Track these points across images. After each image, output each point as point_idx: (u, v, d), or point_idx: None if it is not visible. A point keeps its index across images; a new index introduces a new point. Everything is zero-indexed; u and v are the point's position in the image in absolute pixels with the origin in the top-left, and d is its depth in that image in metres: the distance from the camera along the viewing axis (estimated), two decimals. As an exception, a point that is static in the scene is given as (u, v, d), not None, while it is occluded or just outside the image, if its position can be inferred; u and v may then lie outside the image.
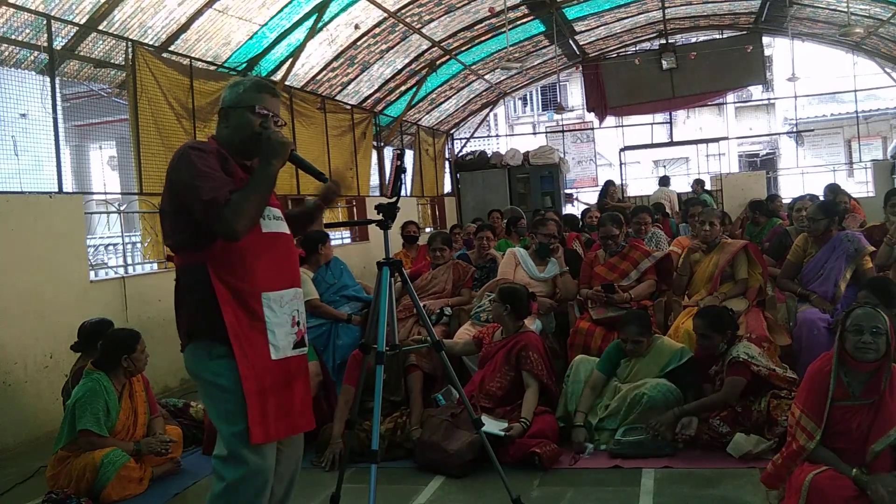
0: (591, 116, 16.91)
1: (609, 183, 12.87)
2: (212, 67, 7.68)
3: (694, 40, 15.58)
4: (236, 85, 2.46)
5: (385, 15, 9.06)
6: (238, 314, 2.30)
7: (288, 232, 2.52)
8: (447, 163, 15.28)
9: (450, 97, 13.63)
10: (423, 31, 10.17)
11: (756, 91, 20.38)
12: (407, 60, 10.88)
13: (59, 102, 5.83)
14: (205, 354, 2.32)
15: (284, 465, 2.51)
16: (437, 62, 11.47)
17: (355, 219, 10.43)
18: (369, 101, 11.25)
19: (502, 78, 14.15)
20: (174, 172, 2.29)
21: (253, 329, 2.32)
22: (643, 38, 14.55)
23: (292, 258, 2.53)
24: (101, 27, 6.14)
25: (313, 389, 4.46)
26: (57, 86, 5.83)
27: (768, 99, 21.41)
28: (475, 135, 16.63)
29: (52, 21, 5.70)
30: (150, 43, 6.79)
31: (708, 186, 13.36)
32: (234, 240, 2.25)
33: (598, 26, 13.11)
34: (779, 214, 8.32)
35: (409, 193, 12.95)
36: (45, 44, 5.71)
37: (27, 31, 5.62)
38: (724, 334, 4.12)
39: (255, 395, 2.29)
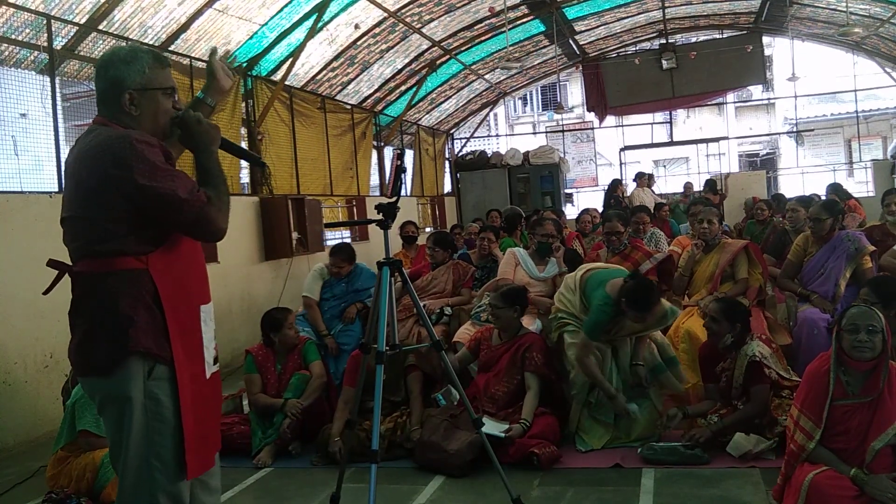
0: (591, 116, 16.92)
1: (616, 182, 12.91)
2: (212, 67, 7.68)
3: (694, 40, 15.58)
4: (133, 61, 2.08)
5: (385, 15, 9.07)
6: (184, 328, 2.05)
7: None
8: (447, 163, 15.29)
9: (450, 97, 13.63)
10: (423, 30, 10.17)
11: (756, 91, 20.39)
12: (407, 60, 10.88)
13: (59, 102, 5.83)
14: (141, 374, 2.00)
15: (210, 472, 2.23)
16: (437, 62, 11.47)
17: (355, 219, 10.44)
18: (369, 100, 11.25)
19: (502, 78, 14.15)
20: (121, 170, 1.96)
21: (192, 346, 2.08)
22: (643, 37, 14.56)
23: (205, 267, 2.27)
24: (101, 27, 6.14)
25: (316, 392, 4.47)
26: (57, 86, 5.83)
27: (768, 99, 21.41)
28: (475, 135, 16.63)
29: (52, 21, 5.70)
30: (150, 43, 6.79)
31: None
32: (218, 239, 2.08)
33: (598, 26, 13.11)
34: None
35: (409, 193, 12.96)
36: (45, 44, 5.71)
37: (27, 31, 5.61)
38: (734, 326, 4.00)
39: (193, 425, 2.04)
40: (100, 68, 2.12)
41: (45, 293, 2.22)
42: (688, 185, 13.17)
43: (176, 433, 2.02)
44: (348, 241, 10.66)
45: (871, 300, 3.67)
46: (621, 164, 15.69)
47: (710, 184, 11.83)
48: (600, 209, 10.07)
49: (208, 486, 2.26)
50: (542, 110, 24.35)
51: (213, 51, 2.32)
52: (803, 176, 17.30)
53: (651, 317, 4.11)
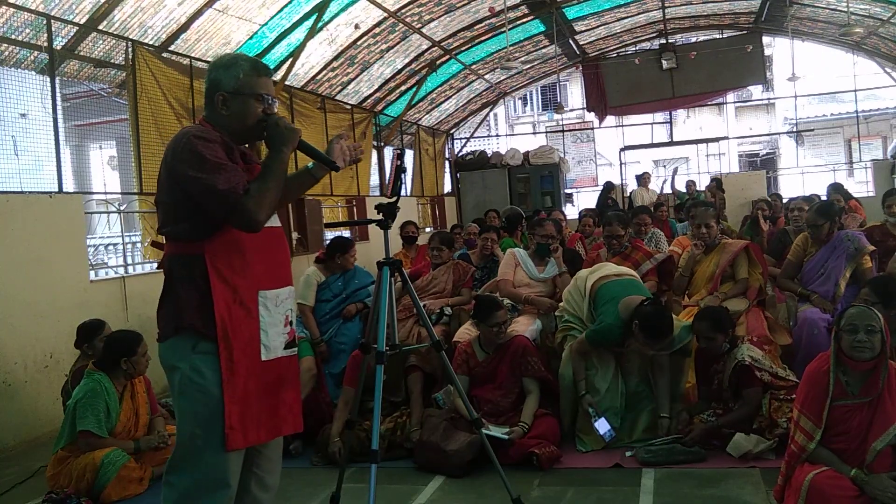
0: (591, 116, 16.91)
1: (609, 185, 12.92)
2: (212, 67, 7.68)
3: (694, 40, 15.58)
4: (232, 66, 2.32)
5: (385, 15, 9.06)
6: (232, 311, 2.21)
7: (280, 226, 2.45)
8: (447, 163, 15.28)
9: (450, 97, 13.63)
10: (423, 30, 10.17)
11: (756, 91, 20.38)
12: (407, 60, 10.88)
13: (59, 102, 5.83)
14: (188, 347, 2.22)
15: (266, 469, 2.40)
16: (437, 62, 11.47)
17: (355, 219, 10.43)
18: (369, 100, 11.25)
19: (502, 78, 14.15)
20: (177, 162, 2.19)
21: (246, 327, 2.24)
22: (643, 37, 14.55)
23: (286, 255, 2.45)
24: (101, 27, 6.14)
25: (307, 385, 4.46)
26: (57, 86, 5.83)
27: (768, 99, 21.40)
28: (475, 135, 16.63)
29: (52, 21, 5.70)
30: (150, 43, 6.79)
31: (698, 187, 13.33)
32: (255, 230, 2.20)
33: (598, 26, 13.11)
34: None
35: (409, 193, 12.95)
36: (45, 44, 5.71)
37: (27, 30, 5.62)
38: (727, 334, 4.12)
39: (238, 400, 2.20)
40: (207, 71, 2.40)
41: (159, 267, 2.42)
42: (690, 184, 13.14)
43: (219, 406, 2.18)
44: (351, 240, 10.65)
45: (871, 300, 3.68)
46: (621, 164, 15.68)
47: (718, 182, 11.80)
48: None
49: (263, 483, 2.39)
50: (542, 110, 24.34)
51: (342, 134, 2.51)
52: (803, 176, 17.28)
53: (664, 348, 4.11)
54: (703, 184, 13.96)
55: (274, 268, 2.35)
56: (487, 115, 16.51)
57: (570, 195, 18.00)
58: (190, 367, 2.21)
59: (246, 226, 2.19)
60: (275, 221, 2.40)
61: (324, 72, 9.49)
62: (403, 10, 9.27)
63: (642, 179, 13.01)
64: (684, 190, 12.94)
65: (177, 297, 2.25)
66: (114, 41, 6.40)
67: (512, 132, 23.09)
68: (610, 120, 16.29)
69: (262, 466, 2.39)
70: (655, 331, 4.00)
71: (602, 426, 4.09)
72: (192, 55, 7.29)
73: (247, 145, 2.47)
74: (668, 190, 13.36)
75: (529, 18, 11.59)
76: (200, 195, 2.17)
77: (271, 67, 8.43)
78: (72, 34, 6.04)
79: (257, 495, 2.38)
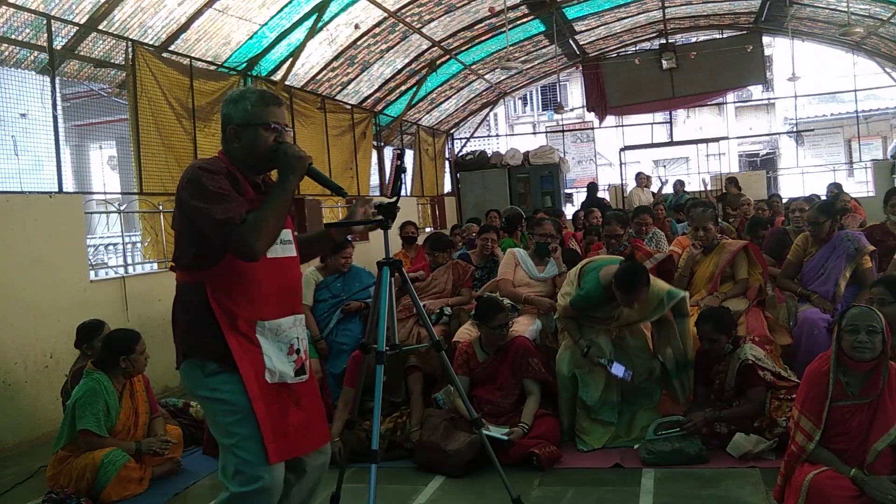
0: (591, 116, 16.91)
1: (592, 186, 12.99)
2: (212, 67, 7.68)
3: (694, 40, 15.58)
4: (241, 100, 2.38)
5: (385, 15, 9.07)
6: (235, 337, 2.27)
7: (295, 255, 2.48)
8: (447, 163, 15.28)
9: (450, 97, 13.63)
10: (423, 30, 10.17)
11: (756, 91, 20.37)
12: (407, 60, 10.88)
13: (59, 102, 5.83)
14: (198, 372, 2.30)
15: (308, 477, 2.48)
16: (437, 62, 11.47)
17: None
18: (369, 100, 11.25)
19: (502, 78, 14.15)
20: (184, 193, 2.26)
21: (249, 352, 2.29)
22: (643, 37, 14.55)
23: (296, 284, 2.49)
24: (101, 27, 6.14)
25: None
26: (57, 86, 5.83)
27: (768, 99, 21.40)
28: (475, 135, 16.63)
29: (52, 21, 5.70)
30: (150, 43, 6.79)
31: (709, 186, 13.35)
32: (253, 259, 2.23)
33: (598, 26, 13.11)
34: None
35: (409, 193, 12.95)
36: (45, 44, 5.71)
37: (27, 30, 5.62)
38: (730, 334, 4.13)
39: (267, 416, 2.26)
40: (221, 108, 2.46)
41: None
42: (677, 184, 13.14)
43: (253, 423, 2.24)
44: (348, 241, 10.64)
45: (888, 299, 3.67)
46: (621, 164, 15.67)
47: (733, 181, 11.77)
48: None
49: (300, 483, 2.45)
50: (542, 110, 24.34)
51: (368, 200, 2.62)
52: (803, 176, 17.27)
53: (639, 300, 4.09)
54: (699, 184, 13.97)
55: (278, 298, 2.37)
56: (487, 115, 16.51)
57: (570, 195, 18.01)
58: (208, 390, 2.30)
59: (243, 255, 2.22)
60: (287, 251, 2.43)
61: (324, 72, 9.49)
62: (403, 10, 9.27)
63: (641, 180, 13.00)
64: (671, 191, 12.94)
65: (181, 324, 2.35)
66: (114, 41, 6.40)
67: (512, 132, 23.09)
68: (610, 120, 16.29)
69: (305, 473, 2.47)
70: (629, 282, 4.00)
71: (617, 370, 4.08)
72: (192, 55, 7.29)
73: (266, 174, 2.48)
74: (667, 190, 13.35)
75: (529, 18, 11.59)
76: (202, 225, 2.24)
77: (271, 68, 8.47)
78: (72, 34, 6.04)
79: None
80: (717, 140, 17.74)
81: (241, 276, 2.29)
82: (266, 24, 7.73)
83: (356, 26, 8.96)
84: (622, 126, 17.68)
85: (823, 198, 8.05)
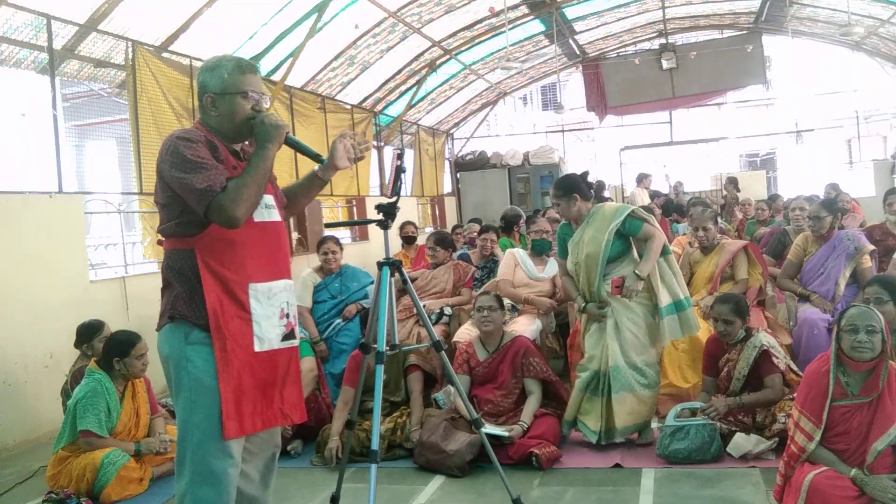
0: (591, 116, 16.90)
1: (599, 184, 12.93)
2: (212, 67, 7.67)
3: (694, 40, 15.56)
4: (217, 68, 2.37)
5: (385, 15, 9.06)
6: (223, 303, 2.28)
7: (280, 220, 2.48)
8: (447, 163, 15.28)
9: (450, 97, 13.63)
10: (423, 30, 10.17)
11: (756, 91, 20.33)
12: (407, 60, 10.87)
13: (59, 102, 5.83)
14: (181, 337, 2.31)
15: (258, 459, 2.48)
16: (437, 62, 11.47)
17: (355, 219, 10.42)
18: (369, 100, 11.25)
19: (502, 78, 14.15)
20: (163, 163, 2.28)
21: (238, 319, 2.30)
22: (643, 37, 14.55)
23: (283, 248, 2.49)
24: (101, 27, 6.14)
25: (309, 385, 4.46)
26: (57, 86, 5.83)
27: (768, 99, 21.38)
28: (475, 135, 16.63)
29: (52, 21, 5.70)
30: (150, 43, 6.79)
31: (710, 186, 13.36)
32: (234, 226, 2.24)
33: (598, 26, 13.10)
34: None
35: (409, 193, 12.95)
36: (45, 44, 5.71)
37: (27, 30, 5.62)
38: (745, 319, 4.10)
39: (233, 390, 2.26)
40: (197, 76, 2.45)
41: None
42: (678, 185, 13.14)
43: (215, 396, 2.25)
44: (347, 240, 10.67)
45: (884, 298, 3.67)
46: (621, 164, 15.67)
47: (733, 181, 11.78)
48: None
49: (245, 474, 2.42)
50: (542, 110, 24.32)
51: (344, 134, 2.53)
52: (803, 176, 17.27)
53: (567, 205, 4.17)
54: (697, 183, 13.97)
55: (268, 261, 2.39)
56: (487, 115, 16.51)
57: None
58: (184, 358, 2.29)
59: (224, 222, 2.23)
60: (273, 216, 2.44)
61: (324, 72, 9.49)
62: (403, 10, 9.26)
63: (641, 180, 13.00)
64: (666, 192, 12.94)
65: (171, 290, 2.36)
66: (114, 41, 6.39)
67: (512, 132, 23.07)
68: (610, 120, 16.28)
69: (255, 455, 2.47)
70: (556, 183, 4.29)
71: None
72: (192, 55, 7.28)
73: (246, 143, 2.48)
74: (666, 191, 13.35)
75: (529, 18, 11.58)
76: (183, 193, 2.25)
77: (271, 68, 8.46)
78: (72, 34, 6.03)
79: (244, 489, 2.43)
80: (717, 140, 17.74)
81: (230, 242, 2.30)
82: (266, 24, 7.72)
83: (356, 26, 8.96)
84: (622, 126, 17.67)
85: (822, 197, 8.05)
